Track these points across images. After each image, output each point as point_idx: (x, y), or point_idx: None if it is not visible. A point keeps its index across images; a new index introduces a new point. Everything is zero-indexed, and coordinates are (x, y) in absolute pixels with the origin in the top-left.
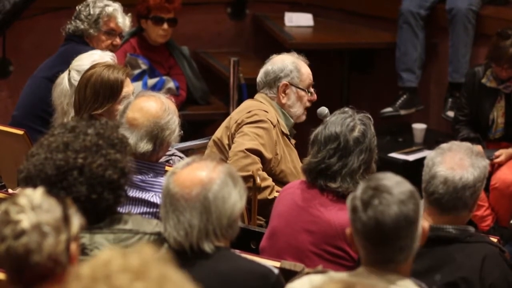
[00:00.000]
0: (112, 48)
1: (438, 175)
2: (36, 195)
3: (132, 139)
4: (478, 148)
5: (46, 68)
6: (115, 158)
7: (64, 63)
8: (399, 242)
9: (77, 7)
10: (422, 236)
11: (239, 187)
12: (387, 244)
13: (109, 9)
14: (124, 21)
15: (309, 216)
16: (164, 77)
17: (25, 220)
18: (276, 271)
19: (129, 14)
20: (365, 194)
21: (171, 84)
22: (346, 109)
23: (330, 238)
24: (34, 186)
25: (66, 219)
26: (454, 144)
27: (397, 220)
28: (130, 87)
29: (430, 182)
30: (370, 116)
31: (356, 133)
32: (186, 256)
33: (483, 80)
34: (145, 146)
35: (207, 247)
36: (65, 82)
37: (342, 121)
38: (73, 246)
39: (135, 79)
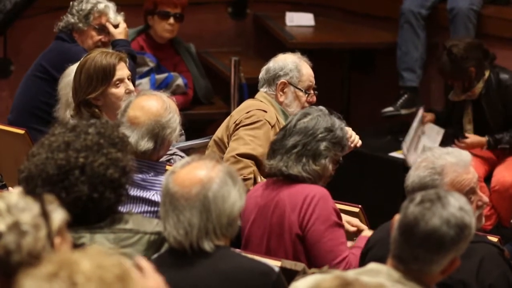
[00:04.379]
0: (101, 45)
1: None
2: (12, 196)
3: (133, 137)
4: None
5: (33, 67)
6: (116, 157)
7: (49, 60)
8: (418, 250)
9: (71, 3)
10: (448, 269)
11: (239, 186)
12: (407, 244)
13: (101, 6)
14: (115, 18)
15: (269, 211)
16: (173, 73)
17: (1, 223)
18: (276, 269)
19: (122, 13)
20: (428, 194)
21: (179, 81)
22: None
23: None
24: (35, 186)
25: (44, 215)
26: (433, 149)
27: (430, 232)
28: (124, 71)
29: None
30: (341, 116)
31: (305, 119)
32: (186, 255)
33: (449, 96)
34: (146, 145)
35: (207, 246)
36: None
37: (304, 110)
38: (57, 241)
39: (142, 76)
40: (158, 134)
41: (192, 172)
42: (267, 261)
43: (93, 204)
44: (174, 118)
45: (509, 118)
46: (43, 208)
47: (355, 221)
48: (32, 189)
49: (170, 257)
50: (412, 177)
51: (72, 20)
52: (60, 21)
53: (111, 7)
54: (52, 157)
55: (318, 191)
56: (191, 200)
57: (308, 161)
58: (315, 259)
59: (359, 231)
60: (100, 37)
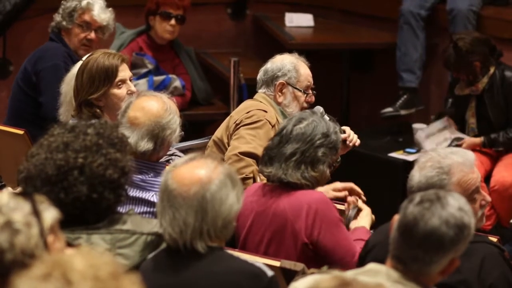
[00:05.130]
0: (87, 43)
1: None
2: (2, 196)
3: (132, 138)
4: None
5: (20, 69)
6: (115, 157)
7: (28, 60)
8: (417, 251)
9: (61, 2)
10: (447, 269)
11: (238, 188)
12: (406, 244)
13: (84, 3)
14: (99, 15)
15: (267, 217)
16: (171, 76)
17: None
18: (270, 273)
19: (110, 9)
20: (427, 194)
21: (177, 83)
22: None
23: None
24: (34, 186)
25: (36, 213)
26: (436, 149)
27: (429, 232)
28: (126, 72)
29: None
30: (334, 118)
31: (301, 125)
32: (179, 256)
33: (455, 90)
34: (145, 145)
35: (200, 246)
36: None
37: (298, 115)
38: (50, 239)
39: (141, 77)
40: (158, 135)
41: (193, 171)
42: (261, 265)
43: (92, 204)
44: (174, 119)
45: (509, 116)
46: (34, 207)
47: (339, 185)
48: (32, 190)
49: (164, 257)
50: (419, 177)
51: (58, 19)
52: (52, 22)
53: (98, 3)
54: (51, 158)
55: (318, 198)
56: (189, 199)
57: (307, 168)
58: (335, 262)
59: (350, 193)
60: (84, 34)
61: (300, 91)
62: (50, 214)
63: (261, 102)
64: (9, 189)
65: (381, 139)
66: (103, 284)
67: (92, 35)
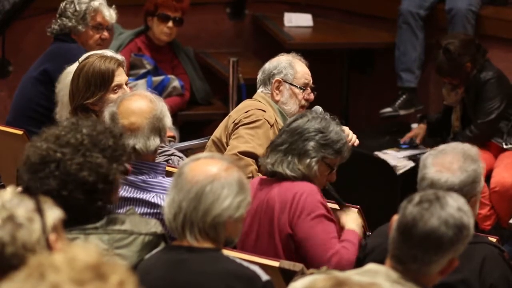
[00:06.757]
0: (101, 42)
1: (426, 177)
2: (6, 193)
3: (139, 142)
4: (473, 151)
5: (33, 68)
6: (97, 162)
7: (49, 62)
8: (416, 251)
9: (61, 5)
10: (446, 269)
11: (242, 197)
12: (406, 244)
13: (95, 4)
14: (110, 14)
15: (262, 209)
16: (169, 76)
17: None
18: (264, 277)
19: (113, 6)
20: (427, 195)
21: (176, 83)
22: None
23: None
24: (22, 171)
25: (39, 210)
26: (449, 146)
27: (428, 232)
28: (122, 77)
29: (419, 183)
30: (335, 118)
31: (299, 120)
32: (175, 255)
33: (444, 102)
34: (154, 142)
35: (190, 236)
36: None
37: (303, 113)
38: (52, 237)
39: (139, 78)
40: (159, 128)
41: (208, 165)
42: (257, 268)
43: (63, 201)
44: (162, 105)
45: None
46: (37, 204)
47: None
48: (21, 174)
49: (160, 257)
50: (460, 175)
51: (70, 24)
52: (53, 25)
53: (104, 3)
54: (39, 146)
55: (306, 188)
56: (190, 185)
57: (294, 160)
58: (306, 254)
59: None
60: (99, 34)
61: (297, 87)
62: (54, 214)
63: (260, 101)
64: (12, 187)
65: (380, 139)
66: (80, 275)
67: (106, 34)
